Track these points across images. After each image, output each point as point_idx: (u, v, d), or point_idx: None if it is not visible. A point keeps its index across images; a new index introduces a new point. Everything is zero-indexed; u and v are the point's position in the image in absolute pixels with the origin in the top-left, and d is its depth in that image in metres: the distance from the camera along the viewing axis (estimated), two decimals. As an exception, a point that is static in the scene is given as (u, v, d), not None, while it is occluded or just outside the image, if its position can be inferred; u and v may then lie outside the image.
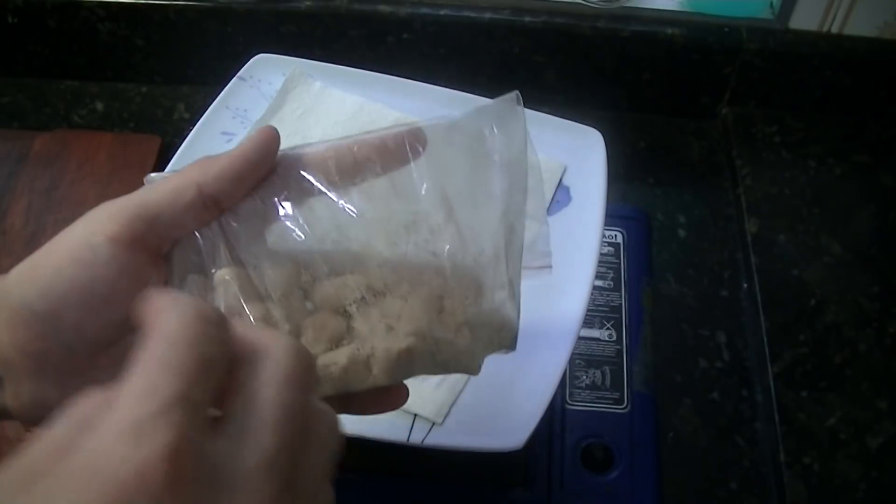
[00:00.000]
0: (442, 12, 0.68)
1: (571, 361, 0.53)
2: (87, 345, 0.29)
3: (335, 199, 0.33)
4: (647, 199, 0.67)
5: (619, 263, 0.60)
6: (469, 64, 0.71)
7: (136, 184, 0.33)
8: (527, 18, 0.68)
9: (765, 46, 0.67)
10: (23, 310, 0.28)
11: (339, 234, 0.33)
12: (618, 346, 0.57)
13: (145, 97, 0.75)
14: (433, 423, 0.44)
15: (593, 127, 0.52)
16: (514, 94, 0.35)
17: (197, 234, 0.31)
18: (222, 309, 0.31)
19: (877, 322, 0.59)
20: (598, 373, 0.56)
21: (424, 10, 0.68)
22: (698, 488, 0.54)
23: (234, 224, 0.32)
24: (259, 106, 0.55)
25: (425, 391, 0.45)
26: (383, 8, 0.68)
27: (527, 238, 0.35)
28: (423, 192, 0.33)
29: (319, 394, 0.31)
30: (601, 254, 0.52)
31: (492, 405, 0.45)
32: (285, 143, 0.33)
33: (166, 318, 0.22)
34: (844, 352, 0.58)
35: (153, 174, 0.34)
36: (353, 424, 0.42)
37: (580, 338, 0.54)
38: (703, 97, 0.72)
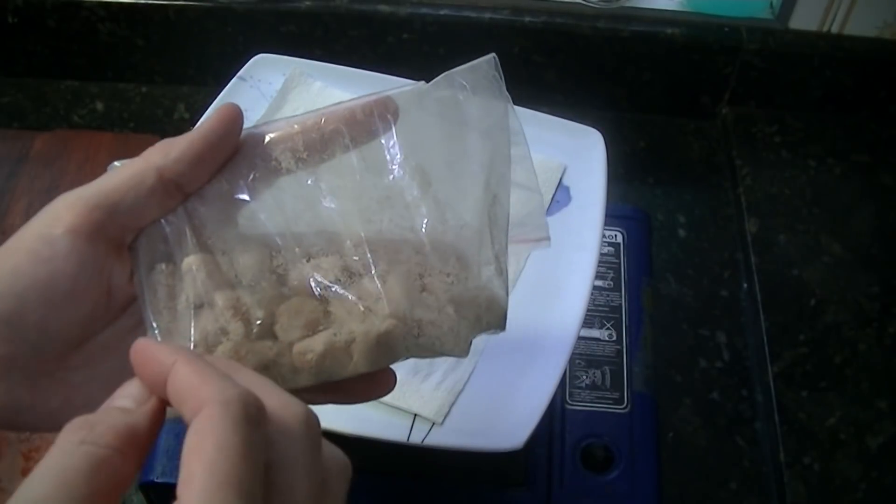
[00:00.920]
0: (442, 12, 0.68)
1: (571, 361, 0.53)
2: (54, 344, 0.28)
3: (305, 178, 0.31)
4: (647, 199, 0.67)
5: (619, 263, 0.60)
6: (469, 64, 0.71)
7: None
8: (527, 18, 0.68)
9: (765, 46, 0.67)
10: None
11: (311, 213, 0.31)
12: (618, 346, 0.57)
13: (145, 97, 0.75)
14: (433, 423, 0.44)
15: (593, 127, 0.52)
16: (491, 56, 0.33)
17: (162, 221, 0.30)
18: (191, 298, 0.29)
19: (877, 322, 0.59)
20: (598, 373, 0.56)
21: (424, 10, 0.68)
22: (698, 488, 0.54)
23: (201, 208, 0.30)
24: (259, 106, 0.55)
25: (425, 391, 0.45)
26: (383, 8, 0.68)
27: (520, 210, 0.33)
28: (396, 165, 0.31)
29: (298, 384, 0.30)
30: (601, 254, 0.52)
31: (492, 405, 0.44)
32: None
33: (219, 423, 0.22)
34: (844, 352, 0.58)
35: (117, 162, 0.32)
36: (353, 424, 0.42)
37: (580, 338, 0.54)
38: (703, 97, 0.72)
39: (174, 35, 0.71)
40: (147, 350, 0.25)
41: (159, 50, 0.72)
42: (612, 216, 0.62)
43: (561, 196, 0.52)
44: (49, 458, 0.22)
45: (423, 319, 0.30)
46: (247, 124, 0.32)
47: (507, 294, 0.32)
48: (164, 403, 0.25)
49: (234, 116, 0.30)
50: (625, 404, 0.54)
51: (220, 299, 0.29)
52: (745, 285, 0.62)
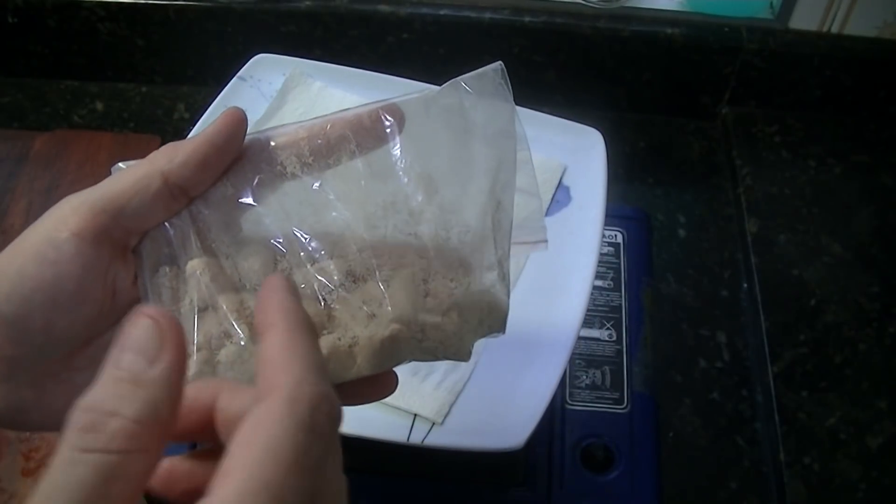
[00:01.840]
0: (442, 12, 0.68)
1: (571, 361, 0.53)
2: (58, 346, 0.28)
3: (310, 182, 0.31)
4: (647, 199, 0.67)
5: (619, 263, 0.60)
6: (469, 64, 0.70)
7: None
8: (527, 18, 0.68)
9: (765, 46, 0.67)
10: None
11: (316, 218, 0.31)
12: (618, 346, 0.57)
13: (145, 97, 0.75)
14: (433, 423, 0.44)
15: (593, 127, 0.52)
16: (498, 64, 0.33)
17: (167, 224, 0.30)
18: (195, 301, 0.30)
19: (877, 322, 0.59)
20: (598, 373, 0.56)
21: (424, 10, 0.68)
22: (698, 488, 0.54)
23: (205, 212, 0.30)
24: (259, 106, 0.55)
25: (425, 391, 0.45)
26: (383, 8, 0.68)
27: (519, 213, 0.33)
28: (401, 171, 0.31)
29: None
30: (601, 254, 0.52)
31: (492, 405, 0.44)
32: None
33: (277, 422, 0.20)
34: (844, 352, 0.58)
35: (122, 163, 0.32)
36: (353, 424, 0.42)
37: (580, 338, 0.54)
38: (703, 97, 0.72)
39: (174, 35, 0.71)
40: (275, 290, 0.24)
41: (159, 50, 0.72)
42: (612, 216, 0.62)
43: (561, 196, 0.52)
44: (52, 473, 0.19)
45: (427, 324, 0.30)
46: (247, 125, 0.32)
47: (509, 298, 0.32)
48: (183, 355, 0.21)
49: (239, 121, 0.30)
50: (625, 404, 0.54)
51: (224, 303, 0.29)
52: (745, 285, 0.62)
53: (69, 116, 0.73)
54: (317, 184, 0.31)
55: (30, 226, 0.29)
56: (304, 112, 0.55)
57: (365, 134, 0.31)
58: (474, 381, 0.46)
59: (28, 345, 0.28)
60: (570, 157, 0.53)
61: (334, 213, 0.31)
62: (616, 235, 0.62)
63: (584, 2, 0.68)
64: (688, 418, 0.56)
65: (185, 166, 0.29)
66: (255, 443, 0.20)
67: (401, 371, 0.32)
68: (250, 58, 0.56)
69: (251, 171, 0.31)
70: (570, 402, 0.54)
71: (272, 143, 0.31)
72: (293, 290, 0.26)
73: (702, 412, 0.56)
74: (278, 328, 0.24)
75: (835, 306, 0.60)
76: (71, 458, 0.19)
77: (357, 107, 0.32)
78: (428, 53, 0.70)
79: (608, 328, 0.57)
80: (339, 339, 0.29)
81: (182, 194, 0.30)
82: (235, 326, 0.29)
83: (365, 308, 0.30)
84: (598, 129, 0.52)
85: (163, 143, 0.68)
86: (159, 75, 0.75)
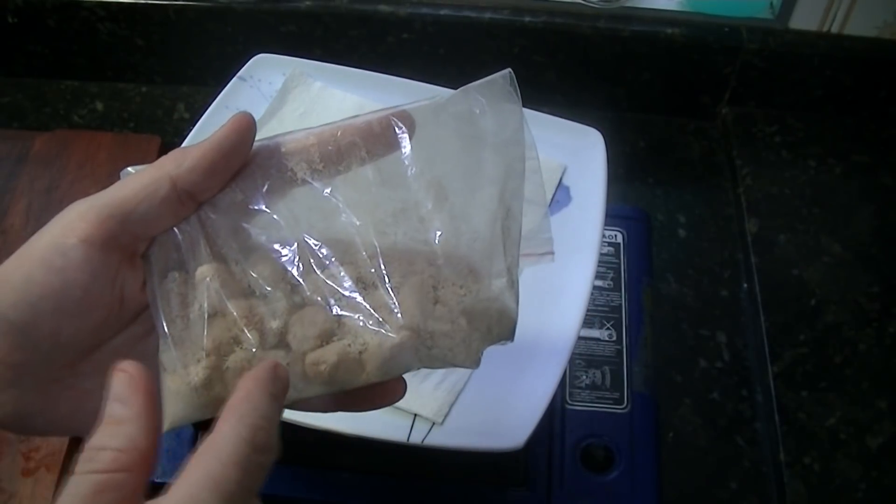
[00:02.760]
0: (442, 12, 0.68)
1: (571, 361, 0.53)
2: (65, 352, 0.28)
3: (319, 189, 0.31)
4: (647, 199, 0.67)
5: (619, 263, 0.60)
6: (469, 64, 0.71)
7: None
8: (527, 18, 0.68)
9: (765, 46, 0.67)
10: None
11: (326, 224, 0.31)
12: (618, 346, 0.57)
13: (145, 97, 0.75)
14: (433, 423, 0.44)
15: (593, 127, 0.52)
16: (507, 72, 0.33)
17: (176, 230, 0.30)
18: (204, 307, 0.30)
19: (877, 322, 0.59)
20: (598, 373, 0.56)
21: (424, 10, 0.68)
22: (698, 488, 0.54)
23: (214, 217, 0.30)
24: (259, 106, 0.55)
25: (425, 391, 0.45)
26: (383, 8, 0.68)
27: (527, 225, 0.33)
28: (411, 178, 0.31)
29: (309, 394, 0.30)
30: (601, 254, 0.52)
31: (492, 405, 0.44)
32: None
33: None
34: (844, 352, 0.58)
35: (130, 168, 0.32)
36: (353, 424, 0.42)
37: (580, 338, 0.54)
38: (703, 97, 0.72)
39: (174, 35, 0.71)
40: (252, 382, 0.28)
41: (159, 50, 0.72)
42: (612, 216, 0.62)
43: (561, 196, 0.52)
44: (64, 489, 0.25)
45: (437, 331, 0.30)
46: (256, 130, 0.32)
47: (517, 306, 0.32)
48: (153, 411, 0.26)
49: (247, 126, 0.30)
50: (625, 404, 0.54)
51: (234, 308, 0.30)
52: (745, 285, 0.62)
53: (69, 116, 0.73)
54: (327, 190, 0.31)
55: (37, 232, 0.29)
56: (304, 112, 0.55)
57: (375, 141, 0.31)
58: (474, 382, 0.46)
59: (35, 351, 0.28)
60: (570, 157, 0.53)
61: (344, 220, 0.31)
62: (616, 235, 0.62)
63: (584, 2, 0.68)
64: (688, 418, 0.56)
65: (193, 171, 0.29)
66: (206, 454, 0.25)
67: (400, 370, 0.32)
68: (250, 58, 0.56)
69: (261, 178, 0.31)
70: (570, 402, 0.54)
71: (282, 150, 0.31)
72: (270, 384, 0.28)
73: (702, 412, 0.56)
74: (230, 425, 0.26)
75: (835, 306, 0.60)
76: (75, 479, 0.25)
77: (367, 113, 0.32)
78: (428, 53, 0.70)
79: (608, 328, 0.57)
80: (349, 346, 0.30)
81: (190, 199, 0.30)
82: (245, 332, 0.29)
83: (374, 315, 0.30)
84: (598, 129, 0.52)
85: (163, 143, 0.69)
86: (159, 75, 0.75)
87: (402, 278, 0.31)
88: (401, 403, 0.44)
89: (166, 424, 0.29)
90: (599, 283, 0.59)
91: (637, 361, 0.56)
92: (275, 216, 0.31)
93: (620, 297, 0.59)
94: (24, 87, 0.75)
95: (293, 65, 0.56)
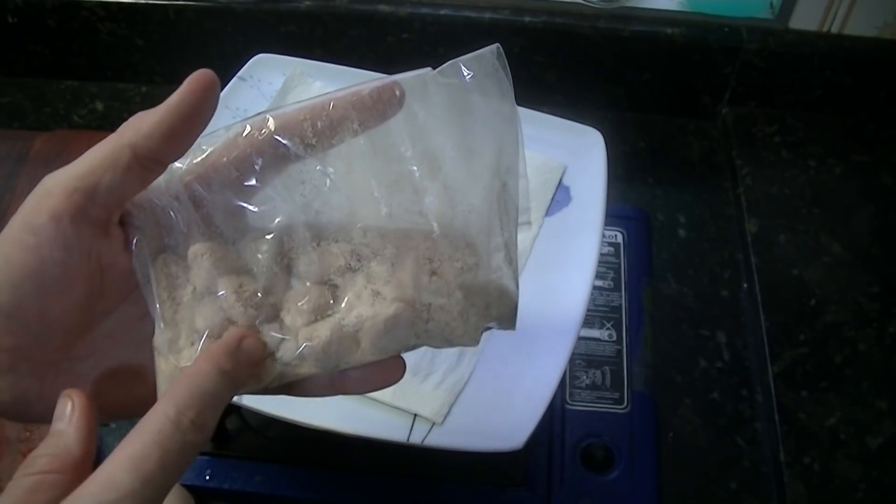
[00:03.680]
0: (442, 12, 0.68)
1: (571, 361, 0.53)
2: (55, 332, 0.28)
3: (313, 164, 0.31)
4: (647, 199, 0.67)
5: (619, 263, 0.60)
6: (469, 64, 0.71)
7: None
8: (527, 18, 0.68)
9: (765, 46, 0.67)
10: None
11: (320, 200, 0.31)
12: (618, 346, 0.57)
13: (145, 97, 0.75)
14: (433, 423, 0.44)
15: (593, 127, 0.52)
16: (495, 46, 0.33)
17: (168, 209, 0.30)
18: (198, 286, 0.29)
19: (877, 322, 0.59)
20: (598, 373, 0.56)
21: (424, 10, 0.68)
22: (698, 488, 0.54)
23: (208, 196, 0.30)
24: (259, 106, 0.55)
25: (425, 391, 0.45)
26: (383, 8, 0.68)
27: None
28: (404, 149, 0.31)
29: (303, 372, 0.29)
30: (601, 254, 0.52)
31: (492, 405, 0.44)
32: None
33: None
34: (844, 352, 0.58)
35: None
36: (353, 424, 0.42)
37: (580, 338, 0.54)
38: (703, 97, 0.72)
39: (174, 35, 0.71)
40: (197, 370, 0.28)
41: (159, 50, 0.72)
42: (612, 216, 0.62)
43: (561, 196, 0.52)
44: (3, 494, 0.26)
45: (432, 304, 0.30)
46: (219, 86, 0.31)
47: (517, 286, 0.32)
48: (88, 419, 0.28)
49: (206, 84, 0.30)
50: (625, 404, 0.54)
51: (227, 286, 0.29)
52: (745, 285, 0.62)
53: (69, 116, 0.73)
54: (320, 165, 0.31)
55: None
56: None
57: (366, 112, 0.31)
58: (474, 381, 0.46)
59: (25, 334, 0.28)
60: (570, 157, 0.53)
61: (338, 194, 0.31)
62: (616, 235, 0.62)
63: (584, 2, 0.68)
64: (688, 418, 0.56)
65: (150, 138, 0.29)
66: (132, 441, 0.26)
67: (401, 370, 0.32)
68: (250, 58, 0.56)
69: (254, 154, 0.30)
70: (570, 402, 0.54)
71: (275, 126, 0.31)
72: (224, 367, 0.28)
73: (702, 412, 0.56)
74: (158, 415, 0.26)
75: (835, 306, 0.60)
76: (13, 482, 0.26)
77: (356, 84, 0.32)
78: (428, 53, 0.70)
79: (608, 328, 0.57)
80: (343, 320, 0.29)
81: (156, 164, 0.29)
82: (238, 310, 0.29)
83: (369, 288, 0.30)
84: (598, 129, 0.52)
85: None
86: (159, 75, 0.75)
87: (397, 251, 0.30)
88: (401, 403, 0.45)
89: None
90: (599, 283, 0.59)
91: (637, 361, 0.56)
92: (269, 193, 0.31)
93: (620, 297, 0.59)
94: (24, 87, 0.75)
95: (293, 65, 0.56)
